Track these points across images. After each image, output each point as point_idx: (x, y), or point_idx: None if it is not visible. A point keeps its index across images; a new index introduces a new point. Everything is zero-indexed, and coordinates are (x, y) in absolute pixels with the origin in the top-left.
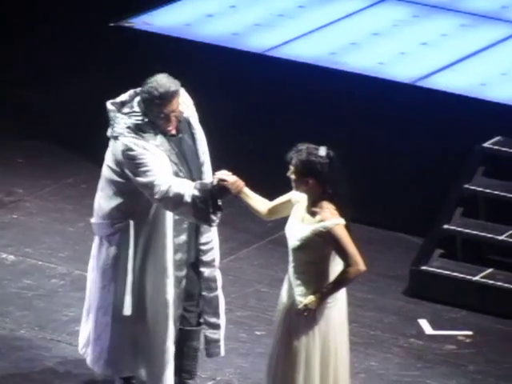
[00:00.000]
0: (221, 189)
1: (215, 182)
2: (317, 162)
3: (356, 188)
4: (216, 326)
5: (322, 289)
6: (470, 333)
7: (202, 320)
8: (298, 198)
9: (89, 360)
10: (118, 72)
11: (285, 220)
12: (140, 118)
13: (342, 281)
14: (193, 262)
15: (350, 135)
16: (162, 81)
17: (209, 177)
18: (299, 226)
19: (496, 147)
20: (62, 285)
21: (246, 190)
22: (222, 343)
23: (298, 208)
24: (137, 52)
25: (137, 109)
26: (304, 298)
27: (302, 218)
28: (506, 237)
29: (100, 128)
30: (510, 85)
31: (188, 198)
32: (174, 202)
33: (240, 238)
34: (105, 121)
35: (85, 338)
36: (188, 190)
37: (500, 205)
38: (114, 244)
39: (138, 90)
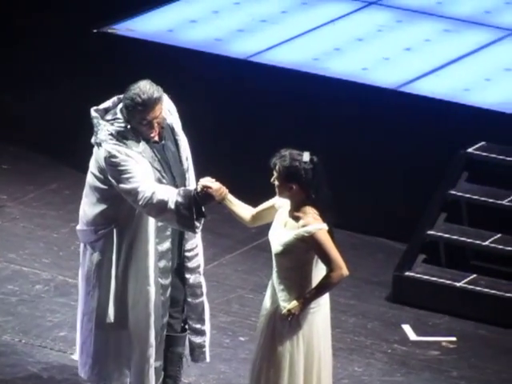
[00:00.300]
0: (204, 195)
1: (199, 189)
2: (300, 167)
3: (339, 194)
4: (201, 332)
5: (305, 294)
6: (453, 338)
7: (186, 326)
8: (281, 204)
9: (78, 366)
10: (100, 78)
11: (268, 226)
12: (122, 124)
13: (325, 285)
14: (177, 269)
15: (334, 140)
16: (145, 87)
17: (192, 183)
18: (282, 231)
19: (480, 152)
20: (45, 290)
21: (230, 197)
22: (207, 349)
23: (281, 213)
24: (120, 58)
25: (119, 115)
26: (287, 303)
27: (285, 222)
28: (490, 242)
29: (83, 134)
30: (493, 90)
31: (172, 205)
32: (158, 208)
33: (223, 244)
34: (88, 127)
35: (78, 345)
36: (172, 196)
37: (483, 210)
38: (98, 250)
39: (122, 96)
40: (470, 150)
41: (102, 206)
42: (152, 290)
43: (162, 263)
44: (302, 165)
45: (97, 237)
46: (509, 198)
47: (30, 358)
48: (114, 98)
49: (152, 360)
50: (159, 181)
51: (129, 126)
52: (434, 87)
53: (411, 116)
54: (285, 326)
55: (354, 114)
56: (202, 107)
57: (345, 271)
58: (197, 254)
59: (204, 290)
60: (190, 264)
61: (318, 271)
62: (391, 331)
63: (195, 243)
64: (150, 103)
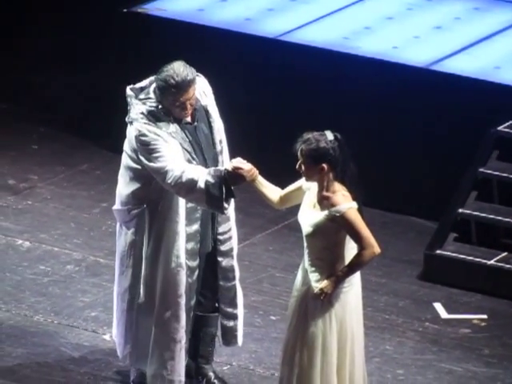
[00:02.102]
0: (235, 176)
1: (230, 169)
2: (328, 146)
3: (369, 173)
4: (232, 316)
5: (337, 272)
6: (484, 316)
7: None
8: (308, 186)
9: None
10: (130, 58)
11: (298, 205)
12: (154, 104)
13: (357, 264)
14: (209, 252)
15: (364, 120)
16: (179, 69)
17: (227, 165)
18: (311, 213)
19: (510, 131)
20: (77, 271)
21: (260, 178)
22: (238, 333)
23: (308, 195)
24: (150, 38)
25: (152, 95)
26: (319, 284)
27: (314, 204)
28: None
29: (114, 115)
30: None
31: (201, 184)
32: (187, 187)
33: (254, 224)
34: (118, 107)
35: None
36: (202, 176)
37: None
38: (131, 230)
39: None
40: (500, 128)
41: (135, 186)
42: (182, 271)
43: (190, 245)
44: (328, 144)
45: (130, 217)
46: None
47: (61, 339)
48: (152, 77)
49: (183, 342)
50: (189, 162)
51: (160, 107)
52: (464, 65)
53: (442, 94)
54: (317, 306)
55: (385, 92)
56: (231, 86)
57: (376, 249)
58: (230, 238)
59: (237, 274)
60: (223, 247)
61: (349, 250)
62: (422, 309)
63: (228, 226)
64: (184, 85)
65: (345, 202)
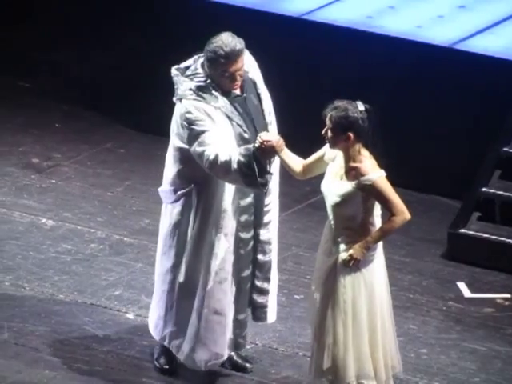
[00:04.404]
0: (265, 150)
1: (257, 145)
2: (358, 116)
3: (393, 151)
4: (264, 292)
5: (367, 238)
6: (508, 296)
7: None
8: (332, 156)
9: (150, 326)
10: (157, 38)
11: (320, 181)
12: (203, 79)
13: (388, 229)
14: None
15: (388, 99)
16: (228, 39)
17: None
18: (339, 183)
19: None
20: (100, 249)
21: (285, 149)
22: (269, 309)
23: (333, 166)
24: (174, 18)
25: (200, 70)
26: (348, 251)
27: (341, 174)
28: None
29: (138, 93)
30: None
31: (235, 165)
32: (223, 170)
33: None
34: (142, 86)
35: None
36: (234, 156)
37: None
38: (176, 210)
39: (202, 54)
40: None
41: (181, 166)
42: (231, 246)
43: (244, 217)
44: (358, 114)
45: (176, 197)
46: None
47: (85, 317)
48: (195, 56)
49: (230, 316)
50: (240, 136)
51: (209, 81)
52: (488, 45)
53: (466, 73)
54: (346, 274)
55: (408, 71)
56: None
57: (407, 215)
58: (270, 210)
59: (274, 248)
60: (264, 219)
61: (375, 218)
62: (446, 289)
63: (271, 199)
64: (233, 55)
65: (374, 170)
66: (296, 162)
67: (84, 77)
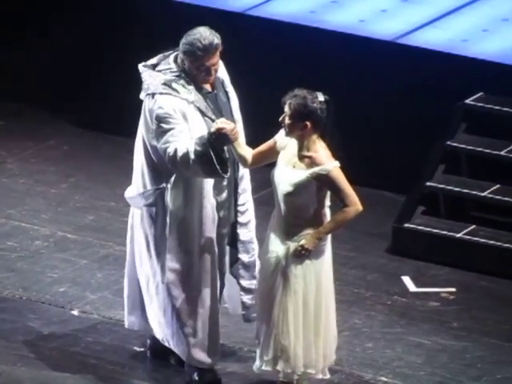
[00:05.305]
0: (219, 137)
1: (213, 130)
2: (316, 106)
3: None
4: (251, 291)
5: (319, 229)
6: (453, 289)
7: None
8: (283, 145)
9: (151, 325)
10: (108, 36)
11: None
12: (177, 73)
13: (341, 220)
14: (233, 223)
15: (330, 94)
16: (206, 33)
17: (242, 135)
18: (291, 172)
19: (478, 104)
20: (45, 246)
21: (239, 140)
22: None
23: (284, 154)
24: (116, 15)
25: (173, 65)
26: (300, 241)
27: (293, 162)
28: (489, 193)
29: (81, 90)
30: (491, 41)
31: (192, 155)
32: (183, 163)
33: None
34: (89, 83)
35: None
36: (190, 147)
37: (482, 161)
38: (152, 212)
39: (167, 53)
40: (468, 101)
41: (153, 166)
42: (212, 243)
43: (222, 213)
44: (317, 104)
45: (150, 199)
46: (507, 149)
47: (30, 314)
48: (160, 55)
49: (217, 314)
50: None
51: (183, 75)
52: (431, 38)
53: (409, 68)
54: (297, 264)
55: (351, 66)
56: None
57: (360, 206)
58: (247, 210)
59: (256, 247)
60: (242, 219)
61: (327, 209)
62: (391, 283)
63: (246, 199)
64: (211, 48)
65: (329, 160)
66: (245, 152)
67: (26, 73)
